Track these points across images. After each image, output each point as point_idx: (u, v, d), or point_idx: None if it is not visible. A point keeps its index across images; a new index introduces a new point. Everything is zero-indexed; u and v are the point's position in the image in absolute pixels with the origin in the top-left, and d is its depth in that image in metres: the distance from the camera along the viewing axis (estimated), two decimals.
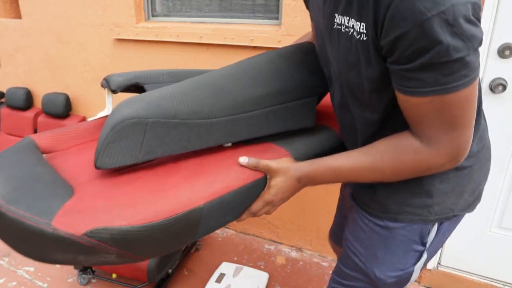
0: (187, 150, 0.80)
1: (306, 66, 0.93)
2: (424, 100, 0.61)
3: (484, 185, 0.87)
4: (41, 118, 2.56)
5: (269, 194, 0.80)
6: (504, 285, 1.68)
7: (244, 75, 0.86)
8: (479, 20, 0.57)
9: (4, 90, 2.78)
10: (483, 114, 0.82)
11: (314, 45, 0.97)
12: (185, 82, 0.85)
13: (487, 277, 1.71)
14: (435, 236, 0.83)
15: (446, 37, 0.54)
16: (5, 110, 2.72)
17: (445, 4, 0.53)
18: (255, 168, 0.79)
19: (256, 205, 0.81)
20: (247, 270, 1.87)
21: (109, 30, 2.24)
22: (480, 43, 0.58)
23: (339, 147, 0.94)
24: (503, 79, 1.44)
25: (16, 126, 2.68)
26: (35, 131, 2.62)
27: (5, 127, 2.73)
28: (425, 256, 0.85)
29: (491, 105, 1.49)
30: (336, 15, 0.70)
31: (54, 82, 2.61)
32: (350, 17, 0.67)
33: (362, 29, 0.64)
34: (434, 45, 0.55)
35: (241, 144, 0.88)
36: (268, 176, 0.80)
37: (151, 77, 0.98)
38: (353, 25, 0.66)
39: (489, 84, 1.47)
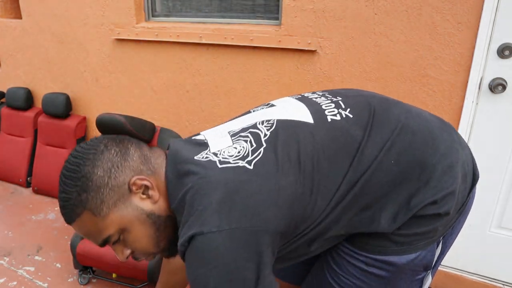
0: None
1: None
2: None
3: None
4: (41, 118, 2.56)
5: None
6: (504, 285, 1.68)
7: None
8: None
9: (4, 90, 2.78)
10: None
11: None
12: None
13: (487, 277, 1.71)
14: (440, 253, 0.78)
15: None
16: (5, 110, 2.72)
17: None
18: None
19: None
20: None
21: (109, 30, 2.24)
22: None
23: None
24: (503, 79, 1.44)
25: (16, 126, 2.69)
26: (35, 131, 2.63)
27: (5, 127, 2.73)
28: (429, 279, 0.79)
29: (491, 105, 1.49)
30: None
31: (54, 82, 2.62)
32: None
33: None
34: None
35: None
36: None
37: None
38: None
39: (489, 84, 1.47)
